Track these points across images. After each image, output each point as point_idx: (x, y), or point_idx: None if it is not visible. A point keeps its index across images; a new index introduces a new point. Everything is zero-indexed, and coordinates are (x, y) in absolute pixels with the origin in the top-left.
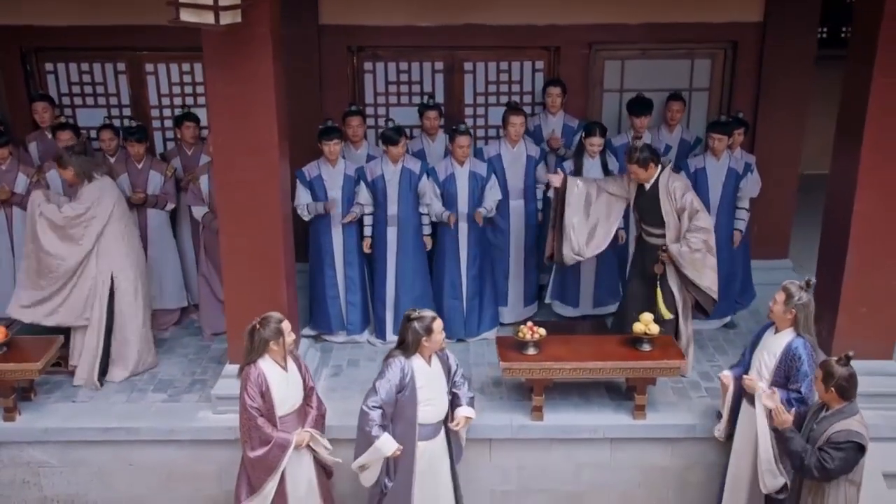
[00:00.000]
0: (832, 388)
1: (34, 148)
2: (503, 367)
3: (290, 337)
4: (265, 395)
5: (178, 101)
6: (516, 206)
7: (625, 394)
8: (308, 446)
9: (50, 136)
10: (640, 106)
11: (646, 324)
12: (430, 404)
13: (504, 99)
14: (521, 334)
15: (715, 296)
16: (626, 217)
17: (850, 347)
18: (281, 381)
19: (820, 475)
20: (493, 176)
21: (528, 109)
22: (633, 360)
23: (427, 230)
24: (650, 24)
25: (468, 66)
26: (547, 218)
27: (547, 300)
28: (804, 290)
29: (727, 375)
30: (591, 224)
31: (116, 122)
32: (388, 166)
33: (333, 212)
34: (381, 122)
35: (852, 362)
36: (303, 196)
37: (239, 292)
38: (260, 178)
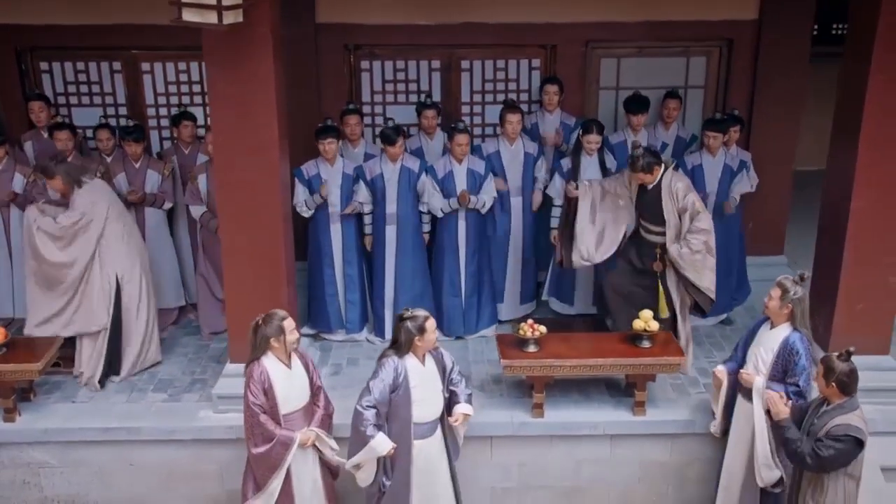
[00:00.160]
0: (833, 383)
1: (30, 147)
2: (504, 365)
3: (291, 335)
4: (268, 392)
5: (174, 100)
6: (514, 203)
7: (624, 390)
8: (314, 446)
9: (46, 135)
10: (636, 104)
11: (645, 321)
12: (425, 403)
13: (501, 97)
14: (521, 332)
15: (713, 296)
16: None
17: (847, 343)
18: (284, 378)
19: (813, 463)
20: (491, 174)
21: (524, 107)
22: (633, 357)
23: (426, 227)
24: (646, 22)
25: (465, 64)
26: (545, 217)
27: (544, 297)
28: (798, 285)
29: (721, 371)
30: (598, 229)
31: (112, 122)
32: (388, 165)
33: (329, 197)
34: (379, 120)
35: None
36: (301, 194)
37: (239, 292)
38: (260, 177)
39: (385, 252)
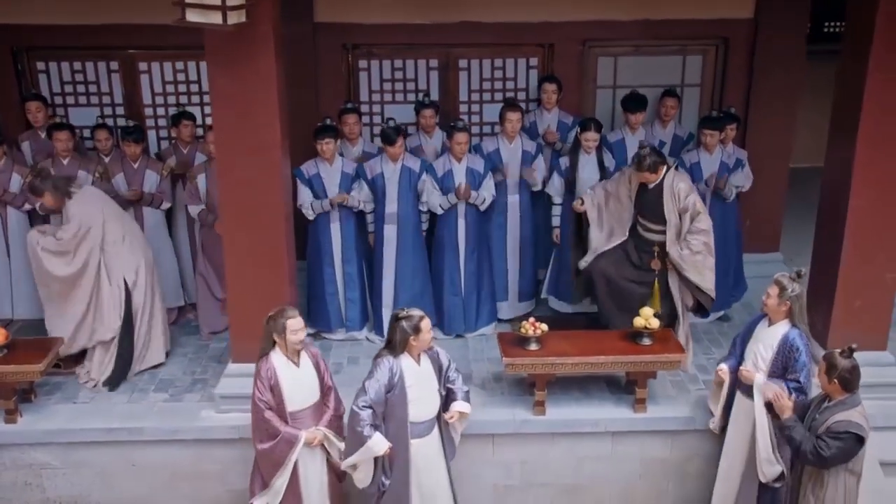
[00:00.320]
0: (835, 380)
1: (27, 147)
2: (506, 363)
3: (293, 335)
4: (274, 389)
5: (171, 99)
6: (513, 201)
7: (624, 388)
8: (322, 447)
9: (43, 135)
10: (634, 102)
11: (646, 318)
12: (421, 402)
13: (499, 96)
14: (523, 330)
15: (713, 295)
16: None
17: (845, 339)
18: (291, 376)
19: (815, 461)
20: (490, 173)
21: (522, 106)
22: (633, 355)
23: (423, 227)
24: (643, 20)
25: (463, 63)
26: (544, 216)
27: (543, 295)
28: (796, 282)
29: (724, 370)
30: (606, 232)
31: (110, 122)
32: (388, 165)
33: (345, 202)
34: (377, 119)
35: None
36: (305, 195)
37: (241, 292)
38: (262, 176)
39: (384, 251)
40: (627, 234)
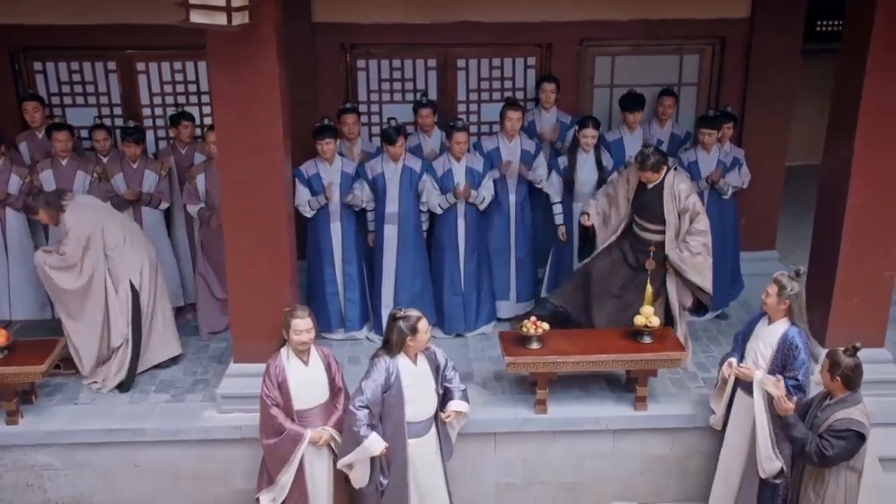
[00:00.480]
0: (838, 378)
1: (24, 148)
2: (508, 362)
3: (297, 336)
4: (282, 386)
5: (169, 99)
6: (512, 200)
7: (625, 386)
8: (329, 447)
9: (40, 136)
10: (632, 102)
11: (646, 317)
12: (418, 402)
13: (497, 95)
14: (524, 329)
15: (711, 293)
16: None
17: (843, 337)
18: (299, 375)
19: (819, 461)
20: (490, 172)
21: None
22: (634, 353)
23: (423, 226)
24: (640, 20)
25: (461, 63)
26: (542, 214)
27: (542, 294)
28: (795, 281)
29: (733, 362)
30: (611, 230)
31: (107, 122)
32: (389, 165)
33: (333, 198)
34: (375, 119)
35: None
36: (303, 194)
37: (243, 292)
38: (264, 176)
39: (385, 251)
40: (621, 233)
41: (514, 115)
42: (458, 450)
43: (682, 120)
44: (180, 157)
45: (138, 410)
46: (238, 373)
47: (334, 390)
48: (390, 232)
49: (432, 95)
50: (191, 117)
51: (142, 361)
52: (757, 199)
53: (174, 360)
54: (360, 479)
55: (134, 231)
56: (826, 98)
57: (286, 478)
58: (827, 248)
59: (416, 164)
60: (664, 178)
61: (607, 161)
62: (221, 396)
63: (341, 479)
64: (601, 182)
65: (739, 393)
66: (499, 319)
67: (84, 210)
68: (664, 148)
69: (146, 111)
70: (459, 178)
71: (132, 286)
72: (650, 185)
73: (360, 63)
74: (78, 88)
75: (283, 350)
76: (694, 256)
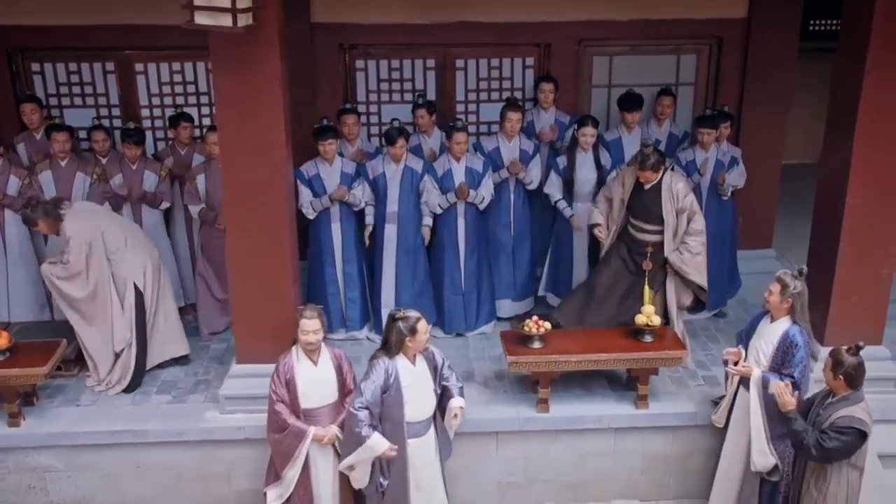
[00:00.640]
0: (841, 376)
1: (22, 149)
2: (510, 361)
3: (304, 336)
4: (290, 384)
5: (168, 100)
6: (512, 199)
7: (625, 384)
8: (335, 448)
9: (39, 137)
10: (631, 102)
11: (647, 315)
12: (417, 402)
13: (495, 95)
14: (527, 328)
15: (706, 289)
16: None
17: (842, 335)
18: (307, 374)
19: (818, 454)
20: (490, 171)
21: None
22: (636, 352)
23: (427, 220)
24: (638, 20)
25: (460, 63)
26: (538, 214)
27: (541, 293)
28: (798, 279)
29: (740, 347)
30: (612, 234)
31: (105, 123)
32: (390, 165)
33: (346, 197)
34: (374, 119)
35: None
36: (305, 195)
37: (245, 293)
38: (266, 177)
39: (385, 251)
40: (616, 237)
41: (514, 116)
42: (460, 449)
43: (680, 119)
44: (179, 157)
45: (140, 412)
46: (240, 373)
47: (344, 391)
48: (390, 232)
49: (431, 96)
50: (190, 118)
51: (153, 358)
52: (754, 198)
53: (179, 360)
54: (360, 479)
55: (135, 232)
56: (820, 96)
57: (292, 473)
58: (826, 247)
59: (417, 165)
60: (661, 177)
61: (606, 160)
62: (224, 397)
63: (346, 479)
64: (600, 182)
65: (742, 391)
66: (498, 319)
67: (82, 217)
68: (662, 147)
69: (145, 112)
70: (459, 178)
71: (136, 288)
72: (648, 186)
73: (359, 63)
74: (76, 89)
75: (294, 348)
76: (695, 257)
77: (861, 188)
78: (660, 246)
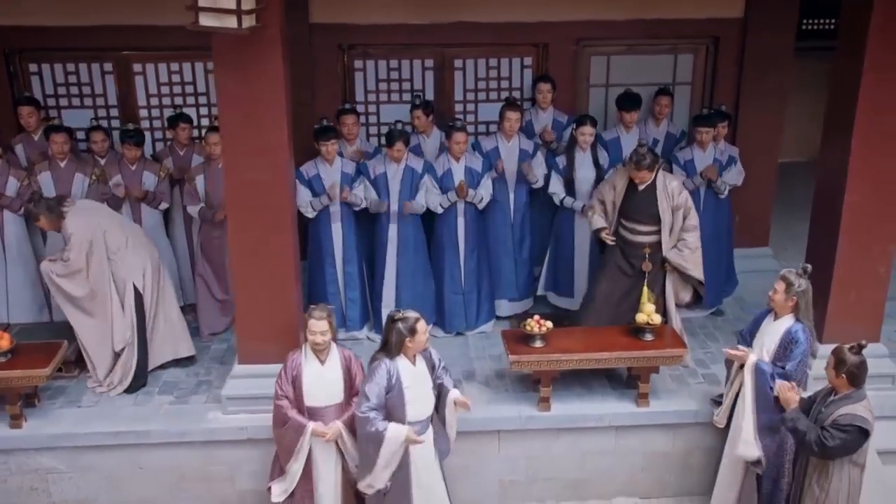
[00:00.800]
0: (843, 375)
1: (20, 150)
2: (512, 360)
3: (312, 336)
4: (296, 381)
5: (166, 101)
6: (511, 198)
7: (626, 383)
8: (338, 448)
9: (36, 138)
10: (629, 101)
11: (648, 314)
12: (418, 402)
13: (493, 95)
14: (528, 327)
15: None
16: None
17: (840, 332)
18: (313, 373)
19: (819, 451)
20: (488, 172)
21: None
22: (637, 350)
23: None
24: (635, 20)
25: (458, 63)
26: (537, 213)
27: (540, 292)
28: (802, 278)
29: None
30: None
31: (104, 124)
32: (391, 165)
33: (341, 196)
34: (372, 119)
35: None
36: (304, 195)
37: (248, 293)
38: (269, 178)
39: (387, 250)
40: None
41: (512, 116)
42: (462, 448)
43: (677, 118)
44: (178, 158)
45: (143, 412)
46: (243, 374)
47: (352, 392)
48: (391, 231)
49: (429, 96)
50: (188, 119)
51: (154, 360)
52: (750, 196)
53: (181, 361)
54: (383, 479)
55: (136, 233)
56: (813, 95)
57: (295, 468)
58: (824, 245)
59: (417, 165)
60: (655, 177)
61: (604, 160)
62: (226, 398)
63: (349, 480)
64: (599, 180)
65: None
66: (498, 318)
67: (84, 215)
68: (660, 147)
69: (143, 112)
70: (459, 177)
71: (136, 289)
72: (642, 186)
73: (358, 63)
74: (74, 90)
75: (304, 346)
76: (693, 252)
77: (859, 186)
78: (656, 246)
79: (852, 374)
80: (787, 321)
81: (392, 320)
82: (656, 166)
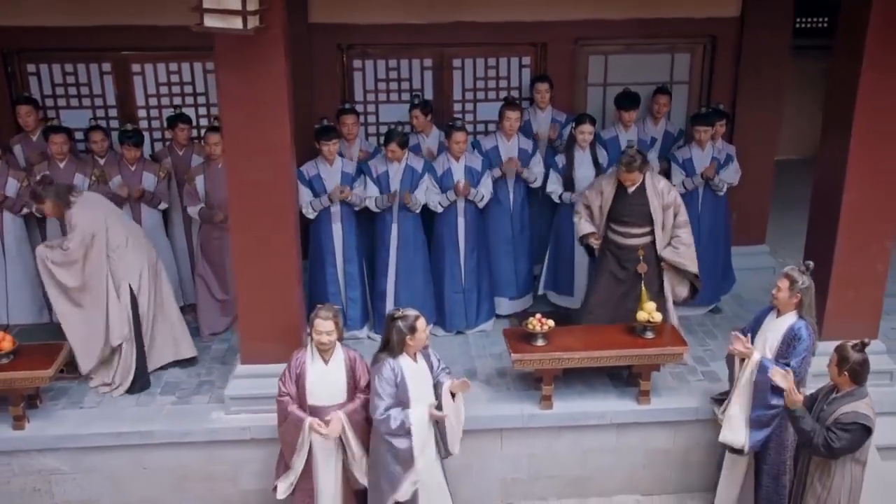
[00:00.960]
0: (846, 372)
1: (19, 151)
2: (515, 359)
3: (318, 336)
4: (299, 380)
5: (165, 101)
6: (510, 197)
7: (626, 380)
8: (338, 446)
9: (35, 138)
10: (628, 100)
11: (649, 312)
12: (421, 400)
13: (492, 95)
14: (530, 326)
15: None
16: None
17: (839, 329)
18: (317, 373)
19: (827, 453)
20: (488, 171)
21: None
22: (638, 348)
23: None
24: (633, 19)
25: (457, 62)
26: (536, 211)
27: (540, 291)
28: (805, 275)
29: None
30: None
31: (102, 124)
32: (392, 164)
33: (345, 197)
34: (371, 119)
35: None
36: (305, 195)
37: (250, 293)
38: (271, 178)
39: (388, 249)
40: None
41: (512, 115)
42: (464, 446)
43: (674, 117)
44: (178, 158)
45: (146, 413)
46: (245, 374)
47: (354, 393)
48: (392, 230)
49: (428, 95)
50: (187, 119)
51: (153, 361)
52: (747, 194)
53: (185, 362)
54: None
55: (135, 233)
56: (806, 93)
57: (298, 462)
58: (822, 243)
59: (417, 164)
60: (644, 178)
61: (603, 158)
62: (229, 398)
63: (348, 479)
64: None
65: None
66: (497, 316)
67: (91, 207)
68: (658, 145)
69: (142, 113)
70: (459, 177)
71: (131, 288)
72: (631, 189)
73: (357, 63)
74: (72, 90)
75: (310, 345)
76: (689, 248)
77: (858, 185)
78: (650, 247)
79: (855, 371)
80: (790, 318)
81: (392, 318)
82: (644, 168)
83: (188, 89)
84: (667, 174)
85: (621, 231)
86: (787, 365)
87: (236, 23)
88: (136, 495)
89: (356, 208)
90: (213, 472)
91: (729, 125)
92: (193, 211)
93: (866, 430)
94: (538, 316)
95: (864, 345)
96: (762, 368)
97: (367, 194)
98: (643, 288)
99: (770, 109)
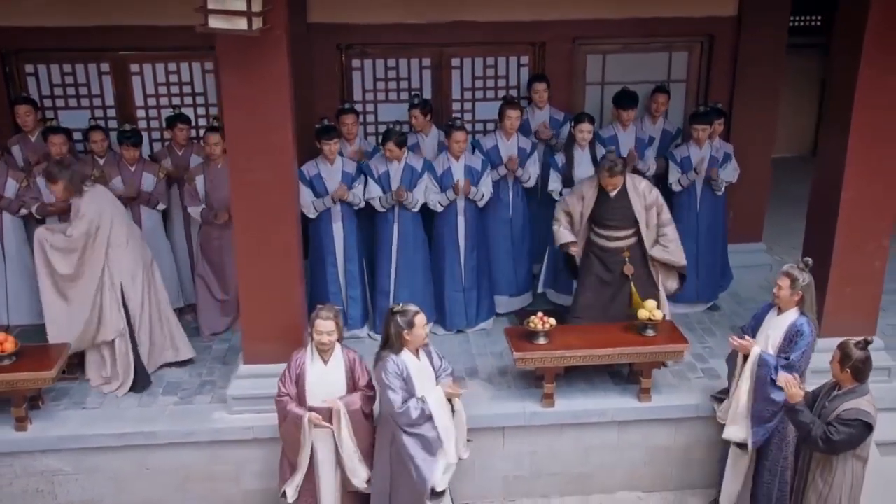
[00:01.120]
0: (848, 370)
1: (17, 151)
2: (517, 357)
3: (319, 336)
4: (298, 380)
5: (164, 101)
6: (510, 196)
7: (627, 378)
8: (338, 449)
9: (33, 139)
10: (626, 99)
11: (650, 310)
12: (427, 395)
13: (490, 94)
14: (532, 325)
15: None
16: None
17: (837, 326)
18: (316, 373)
19: (825, 446)
20: (487, 170)
21: None
22: (640, 346)
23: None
24: (631, 18)
25: (455, 62)
26: (535, 210)
27: (540, 289)
28: (804, 272)
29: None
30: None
31: (101, 124)
32: (392, 163)
33: (345, 197)
34: (370, 118)
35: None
36: (306, 195)
37: (253, 294)
38: (273, 178)
39: (389, 248)
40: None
41: (513, 114)
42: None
43: (672, 116)
44: (177, 158)
45: (148, 413)
46: (248, 374)
47: (353, 391)
48: (392, 230)
49: (427, 94)
50: (186, 119)
51: (153, 362)
52: (744, 192)
53: (182, 363)
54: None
55: (134, 235)
56: (800, 91)
57: (304, 459)
58: (821, 240)
59: (417, 164)
60: (624, 181)
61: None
62: (232, 398)
63: (348, 479)
64: None
65: None
66: (497, 314)
67: (101, 200)
68: (656, 144)
69: (140, 113)
70: (458, 176)
71: (122, 288)
72: (613, 192)
73: (356, 63)
74: (71, 91)
75: (310, 345)
76: (676, 244)
77: (856, 183)
78: (635, 248)
79: (857, 368)
80: (791, 315)
81: (391, 313)
82: (626, 171)
83: (187, 89)
84: (665, 172)
85: (605, 234)
86: (787, 359)
87: (241, 24)
88: (139, 496)
89: (356, 208)
90: (216, 472)
91: (726, 123)
92: (195, 211)
93: (867, 427)
94: (540, 314)
95: (866, 343)
96: (762, 363)
97: (371, 194)
98: (633, 288)
99: (766, 108)
